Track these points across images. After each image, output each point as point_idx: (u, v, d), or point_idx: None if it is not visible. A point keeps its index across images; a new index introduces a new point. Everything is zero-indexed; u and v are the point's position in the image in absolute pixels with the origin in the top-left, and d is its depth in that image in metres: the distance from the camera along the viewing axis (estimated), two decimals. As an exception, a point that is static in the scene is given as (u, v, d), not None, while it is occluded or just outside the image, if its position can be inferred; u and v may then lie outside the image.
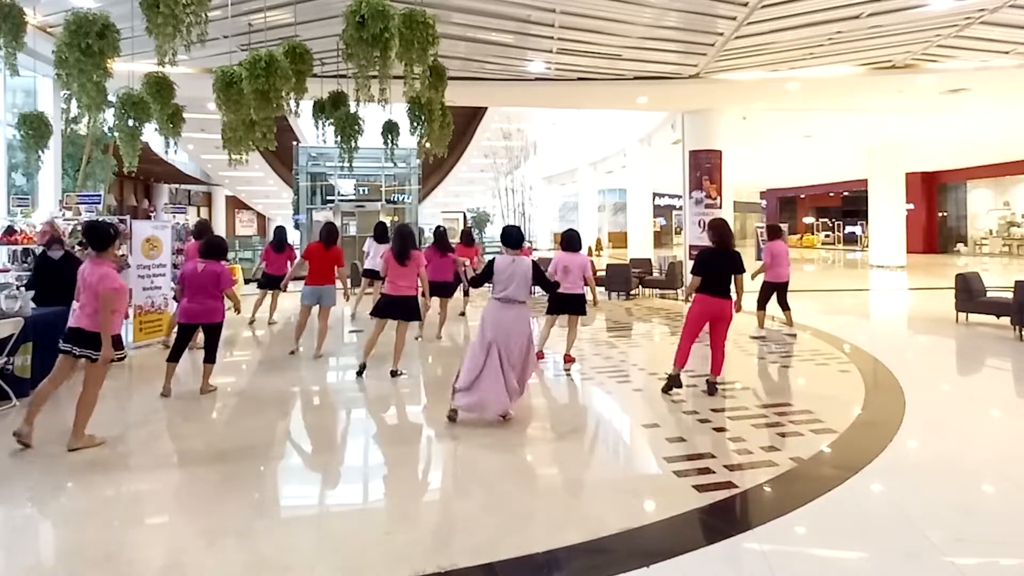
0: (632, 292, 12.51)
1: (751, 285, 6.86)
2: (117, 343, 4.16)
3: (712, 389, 5.36)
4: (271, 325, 9.49)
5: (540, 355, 6.58)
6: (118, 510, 3.36)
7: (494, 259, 4.82)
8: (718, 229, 5.59)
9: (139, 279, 7.68)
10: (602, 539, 2.91)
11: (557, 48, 10.02)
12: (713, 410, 4.95)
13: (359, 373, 6.05)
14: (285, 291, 8.64)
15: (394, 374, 6.03)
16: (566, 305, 6.58)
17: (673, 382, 5.32)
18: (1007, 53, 10.02)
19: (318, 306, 7.10)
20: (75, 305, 4.27)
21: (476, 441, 4.38)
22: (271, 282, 9.26)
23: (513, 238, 4.89)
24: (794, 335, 8.08)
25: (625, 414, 5.08)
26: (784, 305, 8.22)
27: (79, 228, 7.77)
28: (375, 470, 4.01)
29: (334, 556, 2.82)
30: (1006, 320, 8.12)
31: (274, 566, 2.73)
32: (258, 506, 3.38)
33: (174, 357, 5.55)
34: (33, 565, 2.81)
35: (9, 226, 8.25)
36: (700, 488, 3.43)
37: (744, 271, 5.50)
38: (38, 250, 7.91)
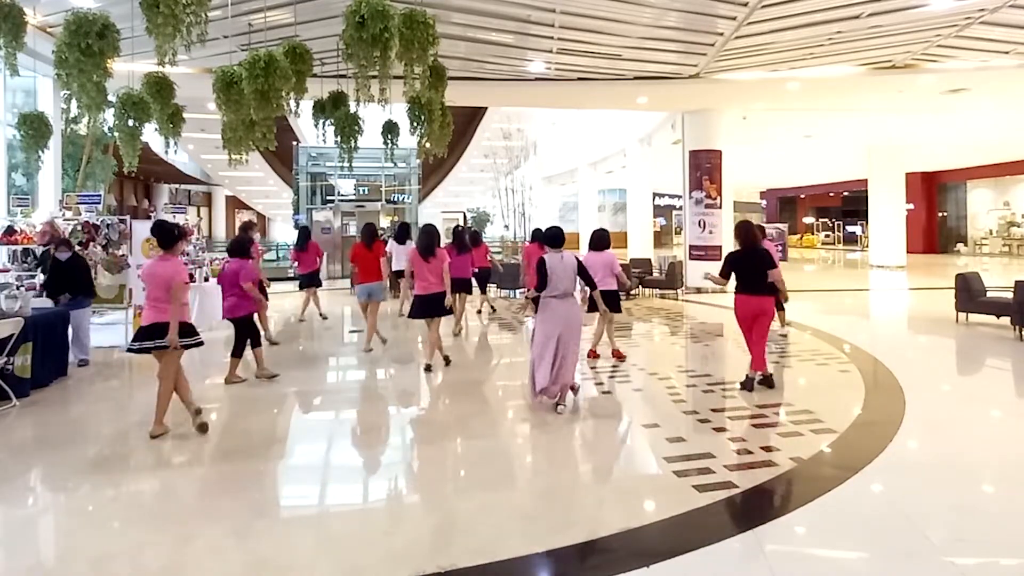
0: (632, 292, 12.51)
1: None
2: (191, 330, 4.48)
3: (750, 385, 5.51)
4: (323, 319, 9.80)
5: (593, 354, 6.84)
6: (118, 510, 3.36)
7: (543, 259, 5.00)
8: (742, 230, 5.70)
9: (139, 279, 7.67)
10: (602, 539, 2.91)
11: (557, 48, 10.02)
12: (713, 410, 4.95)
13: (427, 369, 6.35)
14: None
15: (428, 368, 6.34)
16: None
17: (759, 383, 5.54)
18: (1007, 53, 10.02)
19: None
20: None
21: (476, 441, 4.39)
22: (309, 280, 9.70)
23: (558, 239, 5.19)
24: (785, 335, 8.10)
25: (625, 414, 5.07)
26: (779, 306, 8.20)
27: (79, 228, 7.78)
28: (375, 470, 4.01)
29: (334, 556, 2.82)
30: (1006, 320, 8.12)
31: (274, 566, 2.73)
32: (258, 506, 3.38)
33: (237, 353, 5.95)
34: (33, 565, 2.81)
35: (9, 226, 8.25)
36: (700, 488, 3.43)
37: (775, 266, 5.56)
38: (39, 250, 7.92)
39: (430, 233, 6.46)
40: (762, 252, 5.59)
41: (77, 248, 7.59)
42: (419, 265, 6.27)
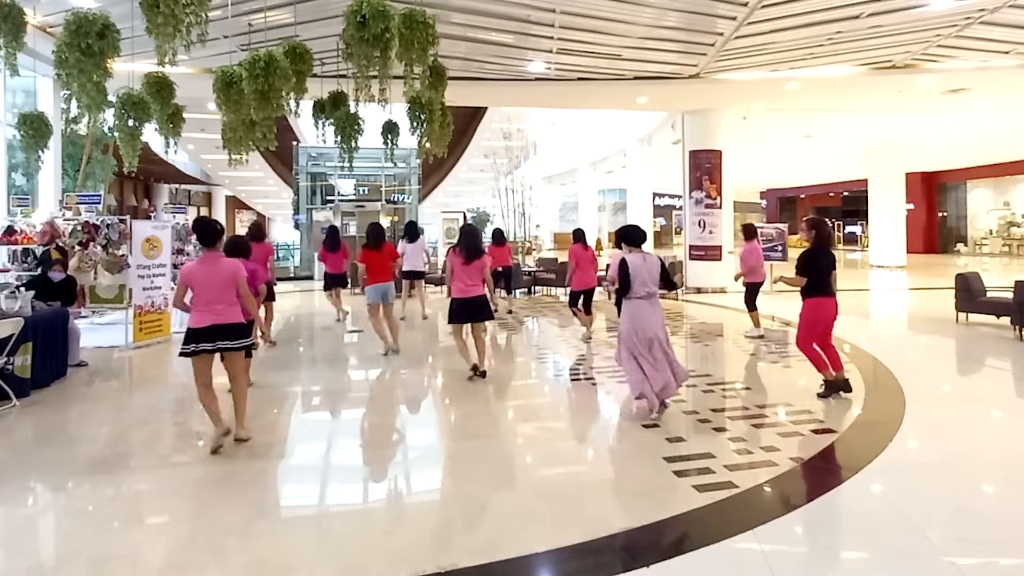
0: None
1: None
2: (247, 330, 4.25)
3: (847, 386, 5.20)
4: (342, 321, 9.69)
5: None
6: (118, 510, 3.36)
7: (625, 260, 4.76)
8: (818, 226, 5.38)
9: (139, 279, 7.67)
10: (602, 539, 2.91)
11: (557, 48, 10.02)
12: (713, 410, 4.95)
13: (471, 378, 5.91)
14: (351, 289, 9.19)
15: (483, 375, 5.94)
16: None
17: (842, 387, 5.15)
18: (1007, 53, 10.02)
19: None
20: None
21: (476, 441, 4.39)
22: (335, 281, 9.64)
23: (639, 237, 4.91)
24: (761, 336, 8.07)
25: (625, 414, 5.07)
26: (752, 306, 8.23)
27: (79, 228, 7.78)
28: (375, 470, 4.01)
29: (334, 556, 2.82)
30: (1006, 320, 8.11)
31: (274, 566, 2.73)
32: (258, 506, 3.38)
33: (248, 354, 5.60)
34: (33, 565, 2.81)
35: (9, 226, 8.26)
36: (700, 488, 3.43)
37: (835, 268, 5.40)
38: (39, 250, 7.92)
39: (473, 235, 6.10)
40: (831, 253, 5.36)
41: (77, 248, 7.61)
42: (459, 269, 5.87)
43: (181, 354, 4.05)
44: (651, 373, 4.68)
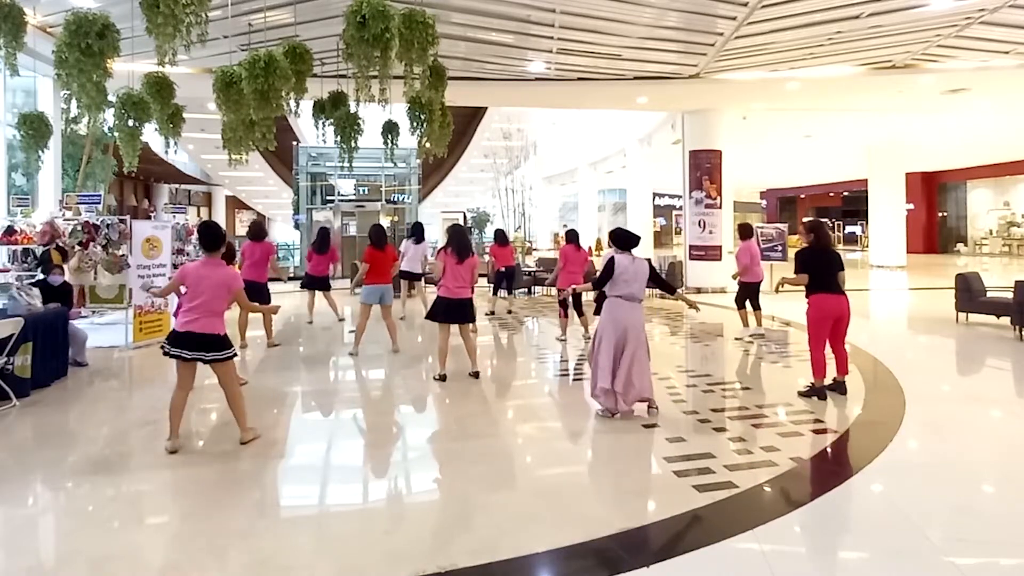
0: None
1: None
2: (226, 343, 4.18)
3: (843, 389, 5.26)
4: (341, 321, 9.68)
5: None
6: (118, 510, 3.36)
7: (613, 258, 4.83)
8: (816, 229, 5.45)
9: (139, 279, 7.67)
10: (602, 539, 2.91)
11: (557, 48, 10.02)
12: (713, 410, 4.95)
13: (442, 379, 5.94)
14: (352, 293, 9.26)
15: (475, 376, 6.03)
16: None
17: (818, 394, 5.16)
18: (1007, 53, 10.02)
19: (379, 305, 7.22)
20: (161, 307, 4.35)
21: (476, 441, 4.39)
22: (313, 283, 9.60)
23: (629, 240, 4.96)
24: (762, 335, 8.10)
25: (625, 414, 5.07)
26: (756, 305, 8.26)
27: (79, 228, 7.78)
28: (375, 469, 4.01)
29: (334, 556, 2.81)
30: (1006, 320, 8.12)
31: (274, 566, 2.73)
32: (258, 506, 3.38)
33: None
34: (33, 565, 2.80)
35: (9, 226, 8.26)
36: (700, 488, 3.43)
37: (844, 269, 5.40)
38: (39, 250, 7.91)
39: (464, 234, 6.10)
40: (834, 253, 5.40)
41: (77, 248, 7.61)
42: (451, 269, 5.87)
43: (160, 347, 4.16)
44: (618, 375, 4.70)
